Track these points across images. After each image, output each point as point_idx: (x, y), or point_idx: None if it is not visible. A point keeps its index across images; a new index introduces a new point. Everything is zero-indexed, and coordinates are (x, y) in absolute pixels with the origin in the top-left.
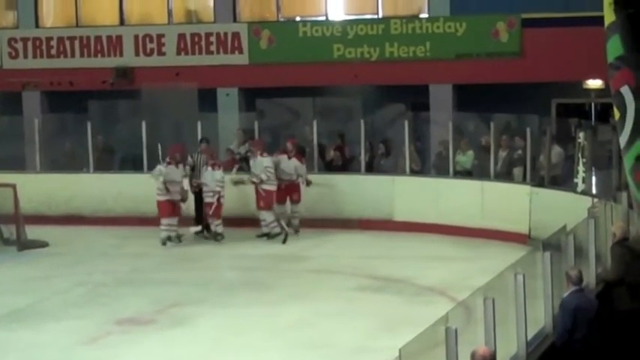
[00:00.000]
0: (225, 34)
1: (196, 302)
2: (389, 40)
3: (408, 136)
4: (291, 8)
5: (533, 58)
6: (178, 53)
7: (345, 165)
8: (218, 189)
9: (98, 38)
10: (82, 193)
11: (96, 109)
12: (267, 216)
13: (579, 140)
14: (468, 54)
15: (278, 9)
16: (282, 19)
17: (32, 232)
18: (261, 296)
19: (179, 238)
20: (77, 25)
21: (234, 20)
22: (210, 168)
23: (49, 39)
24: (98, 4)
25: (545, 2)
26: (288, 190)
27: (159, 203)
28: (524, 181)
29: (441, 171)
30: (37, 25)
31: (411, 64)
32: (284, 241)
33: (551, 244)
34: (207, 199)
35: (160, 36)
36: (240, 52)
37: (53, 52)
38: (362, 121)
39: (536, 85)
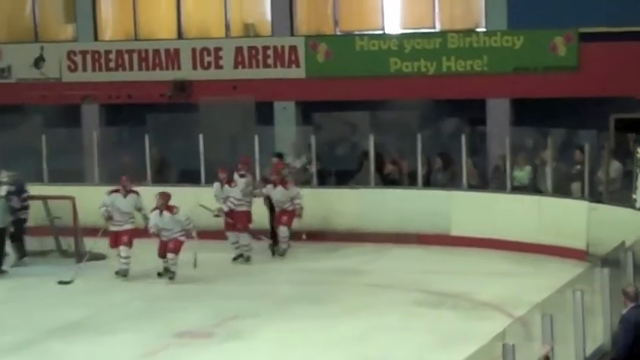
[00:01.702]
0: (283, 47)
1: (254, 315)
2: (446, 54)
3: (465, 150)
4: (349, 22)
5: (591, 72)
6: (236, 67)
7: (402, 179)
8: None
9: (156, 51)
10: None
11: (154, 122)
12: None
13: (638, 155)
14: (526, 68)
15: (335, 23)
16: (339, 33)
17: (91, 244)
18: (319, 310)
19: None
20: (135, 39)
21: (292, 34)
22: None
23: (107, 52)
24: (156, 17)
25: (603, 16)
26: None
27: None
28: (582, 196)
29: (499, 186)
30: (95, 39)
31: (468, 79)
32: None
33: (610, 261)
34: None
35: (217, 49)
36: (297, 65)
37: (112, 65)
38: (419, 135)
39: (594, 99)
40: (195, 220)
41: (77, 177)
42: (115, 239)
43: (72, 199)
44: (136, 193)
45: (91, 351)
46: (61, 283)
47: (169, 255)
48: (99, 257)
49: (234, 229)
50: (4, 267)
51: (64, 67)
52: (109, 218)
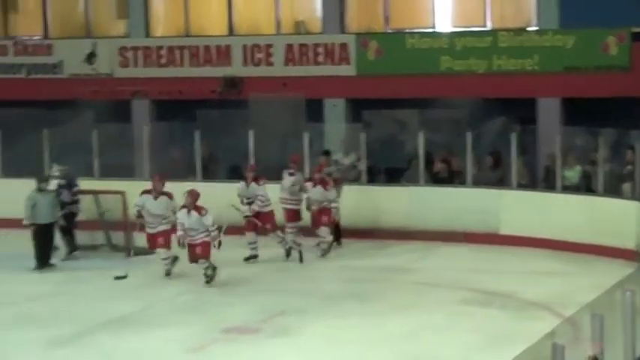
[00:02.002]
0: (333, 44)
1: (301, 312)
2: (497, 52)
3: (515, 149)
4: (400, 20)
5: None
6: (286, 63)
7: (451, 177)
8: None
9: (207, 48)
10: None
11: (204, 118)
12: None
13: None
14: (577, 67)
15: (386, 20)
16: (390, 31)
17: (140, 239)
18: (366, 307)
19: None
20: (187, 35)
21: (342, 31)
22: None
23: (159, 48)
24: (208, 14)
25: None
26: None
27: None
28: (632, 196)
29: (549, 185)
30: (147, 35)
31: (518, 77)
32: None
33: None
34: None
35: (268, 46)
36: (348, 63)
37: (163, 61)
38: (469, 134)
39: None
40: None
41: (127, 172)
42: (152, 241)
43: (122, 193)
44: (169, 195)
45: (139, 345)
46: (117, 278)
47: (200, 261)
48: (148, 252)
49: (261, 230)
50: (54, 260)
51: (116, 63)
52: (140, 217)
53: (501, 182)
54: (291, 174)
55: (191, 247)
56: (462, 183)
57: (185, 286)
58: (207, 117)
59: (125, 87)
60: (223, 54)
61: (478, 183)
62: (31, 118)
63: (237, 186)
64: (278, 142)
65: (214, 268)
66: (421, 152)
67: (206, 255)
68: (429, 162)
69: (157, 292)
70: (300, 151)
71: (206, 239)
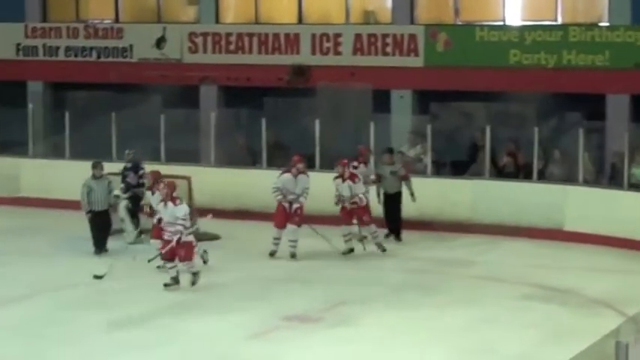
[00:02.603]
0: (402, 35)
1: (363, 302)
2: (567, 47)
3: (583, 145)
4: (469, 12)
5: None
6: (354, 53)
7: (517, 172)
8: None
9: (276, 36)
10: (253, 188)
11: (271, 105)
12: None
13: None
14: None
15: (456, 12)
16: (459, 23)
17: (204, 224)
18: (426, 299)
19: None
20: (256, 22)
21: (412, 22)
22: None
23: (228, 35)
24: (278, 2)
25: None
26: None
27: None
28: None
29: (615, 182)
30: (217, 21)
31: (588, 73)
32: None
33: None
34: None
35: (336, 35)
36: (416, 54)
37: (232, 47)
38: (536, 129)
39: None
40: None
41: (193, 157)
42: None
43: (188, 179)
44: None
45: (202, 329)
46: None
47: (182, 264)
48: (213, 237)
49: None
50: (122, 243)
51: (185, 49)
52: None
53: (567, 178)
54: (355, 167)
55: (168, 244)
56: (527, 177)
57: (249, 273)
58: (274, 105)
59: (193, 72)
60: (292, 42)
61: (544, 178)
62: (100, 101)
63: (282, 178)
64: (344, 132)
65: (196, 273)
66: (487, 146)
67: (189, 258)
68: (495, 156)
69: (219, 278)
70: (366, 142)
71: (187, 239)
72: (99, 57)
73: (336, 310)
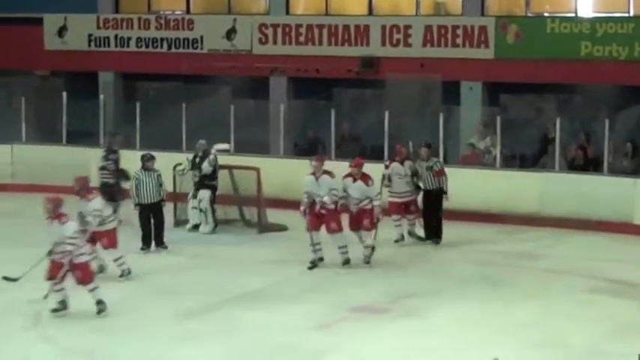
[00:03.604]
0: (472, 27)
1: (430, 294)
2: (639, 39)
3: None
4: (540, 3)
5: None
6: (424, 45)
7: (587, 164)
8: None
9: (346, 27)
10: None
11: (340, 97)
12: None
13: None
14: None
15: (527, 4)
16: (530, 15)
17: (272, 215)
18: (494, 292)
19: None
20: (326, 14)
21: (482, 14)
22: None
23: (298, 26)
24: None
25: None
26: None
27: None
28: None
29: None
30: (287, 12)
31: None
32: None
33: None
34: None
35: (406, 27)
36: (487, 46)
37: (302, 39)
38: (607, 121)
39: None
40: None
41: (262, 148)
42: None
43: (257, 170)
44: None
45: (268, 319)
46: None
47: (84, 287)
48: (281, 228)
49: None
50: (201, 230)
51: (255, 40)
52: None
53: (638, 171)
54: (386, 166)
55: (59, 267)
56: (597, 170)
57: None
58: (344, 96)
59: (263, 64)
60: (362, 34)
61: (614, 171)
62: (170, 92)
63: (305, 180)
64: (414, 123)
65: (100, 302)
66: (557, 138)
67: (87, 280)
68: (565, 148)
69: (286, 269)
70: (435, 134)
71: (80, 260)
72: (169, 48)
73: (402, 303)
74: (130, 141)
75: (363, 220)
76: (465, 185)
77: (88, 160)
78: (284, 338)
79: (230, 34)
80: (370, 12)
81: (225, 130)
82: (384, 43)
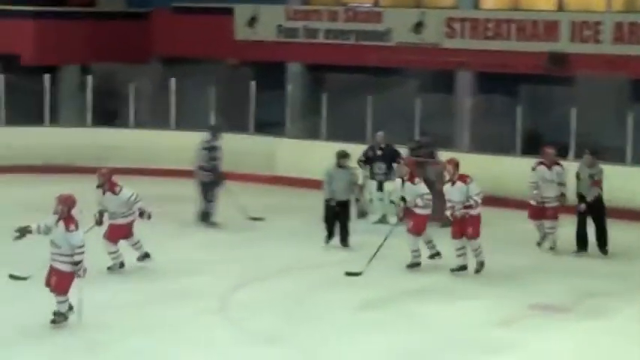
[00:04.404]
0: None
1: (614, 295)
2: None
3: None
4: None
5: None
6: (614, 42)
7: None
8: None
9: (535, 22)
10: (508, 175)
11: (526, 93)
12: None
13: None
14: None
15: None
16: None
17: None
18: None
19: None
20: (515, 9)
21: None
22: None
23: (486, 21)
24: None
25: None
26: None
27: None
28: None
29: None
30: (475, 7)
31: None
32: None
33: None
34: None
35: (596, 23)
36: None
37: (489, 33)
38: None
39: None
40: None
41: (447, 142)
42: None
43: (442, 164)
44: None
45: (444, 313)
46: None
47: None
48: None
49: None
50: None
51: (443, 34)
52: None
53: None
54: (533, 169)
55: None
56: None
57: (495, 259)
58: (530, 92)
59: (450, 58)
60: (551, 29)
61: None
62: (357, 83)
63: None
64: (600, 123)
65: (61, 314)
66: None
67: (59, 291)
68: None
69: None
70: (622, 134)
71: (61, 267)
72: (357, 40)
73: (586, 302)
74: (315, 131)
75: (467, 227)
76: None
77: (274, 149)
78: (465, 333)
79: (418, 27)
80: (560, 7)
81: (408, 124)
82: (573, 39)
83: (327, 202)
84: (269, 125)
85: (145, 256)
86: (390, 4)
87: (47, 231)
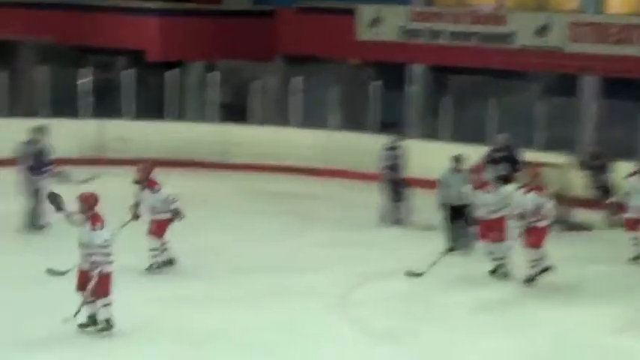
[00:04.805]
0: None
1: None
2: None
3: None
4: None
5: None
6: None
7: None
8: None
9: None
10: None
11: None
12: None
13: None
14: None
15: None
16: None
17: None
18: None
19: None
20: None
21: None
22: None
23: (610, 25)
24: None
25: None
26: None
27: None
28: None
29: None
30: (600, 11)
31: None
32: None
33: None
34: None
35: None
36: None
37: (614, 38)
38: None
39: None
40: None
41: (569, 147)
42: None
43: (562, 167)
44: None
45: (567, 317)
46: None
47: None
48: (586, 228)
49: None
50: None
51: (567, 37)
52: None
53: None
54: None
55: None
56: None
57: (612, 266)
58: None
59: (573, 62)
60: None
61: None
62: (479, 86)
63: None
64: None
65: (106, 321)
66: None
67: (100, 294)
68: None
69: (580, 269)
70: None
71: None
72: (480, 42)
73: None
74: (435, 133)
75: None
76: None
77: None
78: (578, 339)
79: (542, 30)
80: None
81: (529, 127)
82: None
83: (442, 206)
84: (389, 125)
85: (169, 262)
86: (514, 7)
87: (72, 222)
